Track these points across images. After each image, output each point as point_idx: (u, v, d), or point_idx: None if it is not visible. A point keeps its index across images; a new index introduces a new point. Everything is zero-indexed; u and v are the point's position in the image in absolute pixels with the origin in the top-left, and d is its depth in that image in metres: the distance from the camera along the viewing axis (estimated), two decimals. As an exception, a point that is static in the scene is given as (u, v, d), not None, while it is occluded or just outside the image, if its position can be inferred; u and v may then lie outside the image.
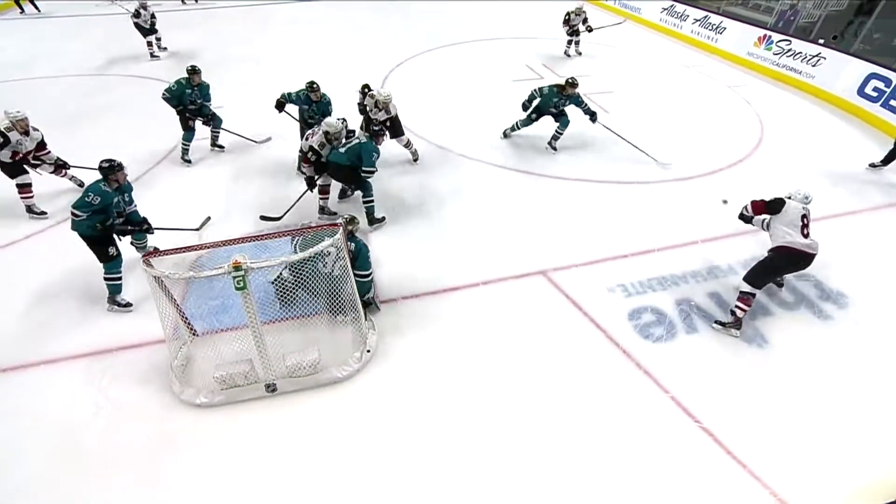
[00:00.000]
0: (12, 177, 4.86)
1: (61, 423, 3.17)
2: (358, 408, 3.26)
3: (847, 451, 3.05)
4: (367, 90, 5.58)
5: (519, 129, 6.39)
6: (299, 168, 5.16)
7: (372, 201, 4.80)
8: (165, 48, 9.88)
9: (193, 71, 5.64)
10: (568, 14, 9.43)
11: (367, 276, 3.74)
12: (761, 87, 8.55)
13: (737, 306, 3.77)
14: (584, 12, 9.52)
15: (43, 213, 5.06)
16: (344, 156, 4.58)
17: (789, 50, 8.61)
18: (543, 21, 12.18)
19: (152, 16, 9.27)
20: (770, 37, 8.98)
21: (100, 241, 3.83)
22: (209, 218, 4.95)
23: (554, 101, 5.93)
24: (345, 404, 3.28)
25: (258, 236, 3.46)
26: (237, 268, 2.77)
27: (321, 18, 12.96)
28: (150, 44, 9.51)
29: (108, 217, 3.80)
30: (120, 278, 3.98)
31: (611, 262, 4.47)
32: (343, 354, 3.47)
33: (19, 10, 13.20)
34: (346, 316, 3.64)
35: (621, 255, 4.55)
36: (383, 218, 4.92)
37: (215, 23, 12.65)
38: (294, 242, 3.52)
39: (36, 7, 13.28)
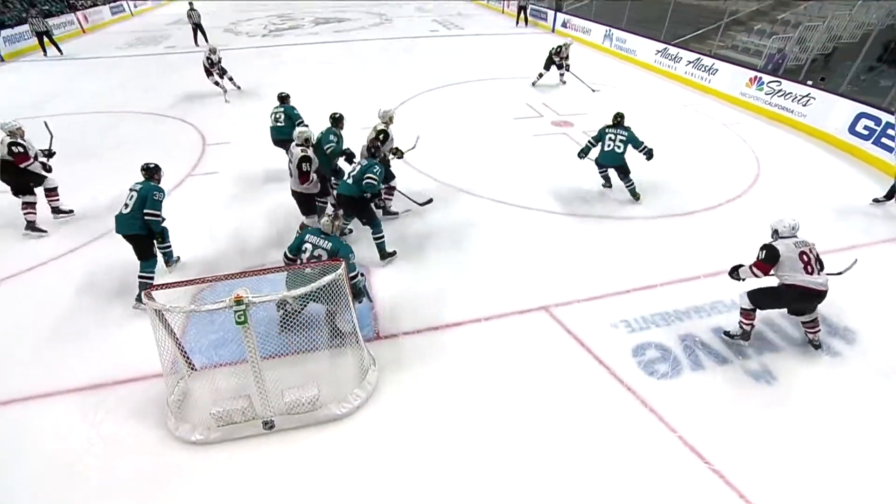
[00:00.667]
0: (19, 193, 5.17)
1: (54, 458, 3.08)
2: (357, 446, 3.17)
3: (861, 492, 2.93)
4: None
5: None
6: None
7: (382, 236, 4.81)
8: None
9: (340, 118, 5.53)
10: (559, 48, 10.23)
11: (353, 277, 3.59)
12: (756, 125, 8.76)
13: (740, 322, 3.84)
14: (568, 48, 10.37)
15: (44, 230, 5.33)
16: (353, 186, 4.57)
17: (780, 90, 8.88)
18: (541, 63, 12.65)
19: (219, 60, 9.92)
20: (761, 78, 9.28)
21: (148, 238, 4.26)
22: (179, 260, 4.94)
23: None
24: (344, 442, 3.19)
25: (259, 271, 3.47)
26: (239, 302, 2.77)
27: (330, 59, 13.50)
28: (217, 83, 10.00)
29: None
30: (153, 277, 4.30)
31: (613, 298, 4.46)
32: (343, 391, 3.40)
33: (43, 53, 13.97)
34: (344, 341, 3.59)
35: (623, 290, 4.54)
36: (394, 252, 4.94)
37: (227, 63, 13.13)
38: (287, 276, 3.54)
39: (59, 49, 13.98)
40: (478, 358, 3.84)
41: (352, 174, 4.64)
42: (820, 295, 3.56)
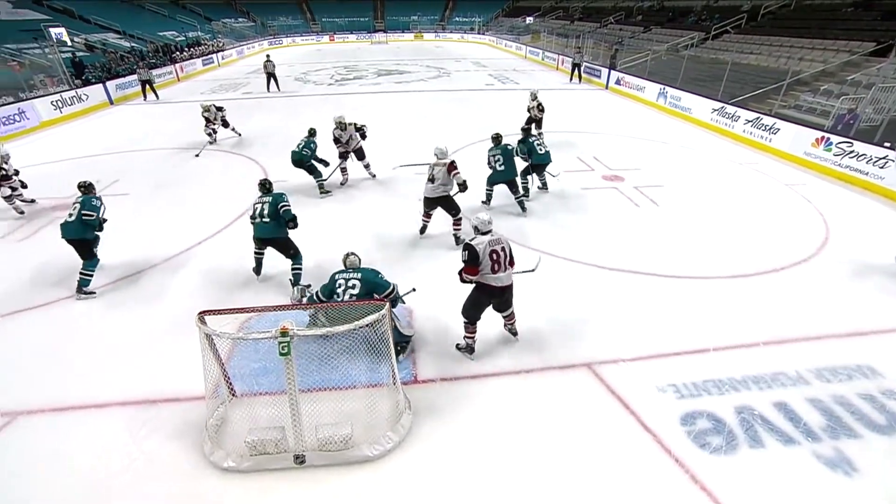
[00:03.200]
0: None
1: (93, 470, 3.22)
2: (386, 492, 3.08)
3: None
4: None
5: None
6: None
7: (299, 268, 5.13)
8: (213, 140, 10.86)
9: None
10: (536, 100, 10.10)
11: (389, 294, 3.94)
12: (823, 187, 8.31)
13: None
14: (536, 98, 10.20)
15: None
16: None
17: (852, 151, 8.43)
18: (595, 118, 12.84)
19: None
20: (829, 138, 8.88)
21: (91, 243, 5.19)
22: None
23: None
24: (373, 487, 3.12)
25: (307, 305, 3.60)
26: (284, 333, 2.86)
27: (387, 107, 14.37)
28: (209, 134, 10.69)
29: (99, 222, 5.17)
30: (92, 275, 5.18)
31: (661, 360, 4.21)
32: (376, 432, 3.36)
33: (143, 98, 16.36)
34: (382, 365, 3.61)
35: (672, 352, 4.29)
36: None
37: (294, 108, 14.32)
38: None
39: (156, 95, 16.08)
40: (515, 411, 3.69)
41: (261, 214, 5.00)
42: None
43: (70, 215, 5.09)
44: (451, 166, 5.70)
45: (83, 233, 5.07)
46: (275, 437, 3.20)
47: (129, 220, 6.87)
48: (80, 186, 5.23)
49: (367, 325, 3.09)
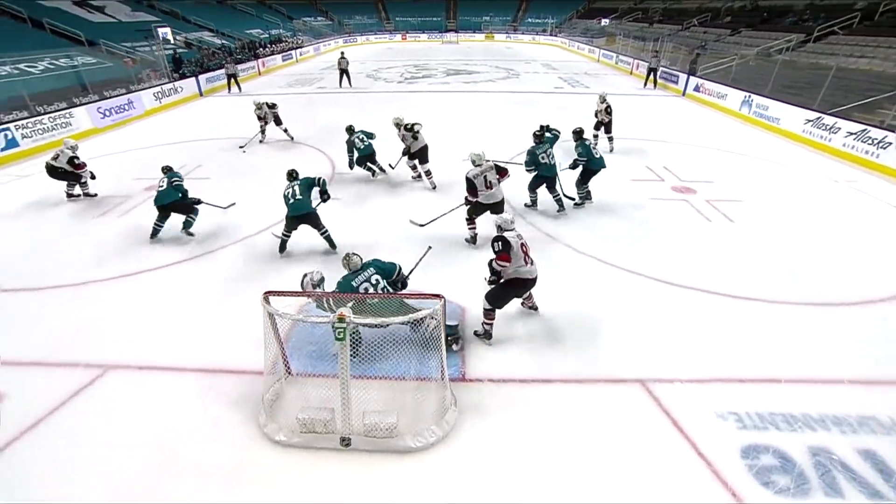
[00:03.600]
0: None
1: (164, 426, 3.54)
2: (426, 483, 3.12)
3: None
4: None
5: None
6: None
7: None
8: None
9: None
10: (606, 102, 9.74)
11: (398, 274, 4.19)
12: (938, 212, 7.34)
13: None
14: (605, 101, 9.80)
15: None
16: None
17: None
18: (669, 125, 12.21)
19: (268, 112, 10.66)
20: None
21: (185, 201, 6.26)
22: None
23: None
24: (414, 477, 3.17)
25: (365, 295, 3.72)
26: (341, 320, 2.98)
27: (453, 105, 14.51)
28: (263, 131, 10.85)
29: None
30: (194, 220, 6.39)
31: (724, 385, 3.92)
32: (420, 425, 3.42)
33: (228, 90, 17.70)
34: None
35: (737, 378, 3.98)
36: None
37: (364, 103, 14.85)
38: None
39: (239, 88, 17.32)
40: (561, 420, 3.60)
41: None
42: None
43: (161, 187, 6.15)
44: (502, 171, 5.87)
45: (175, 196, 6.11)
46: (324, 418, 3.34)
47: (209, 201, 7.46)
48: (163, 169, 6.42)
49: (421, 319, 3.15)
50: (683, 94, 16.26)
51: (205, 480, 3.14)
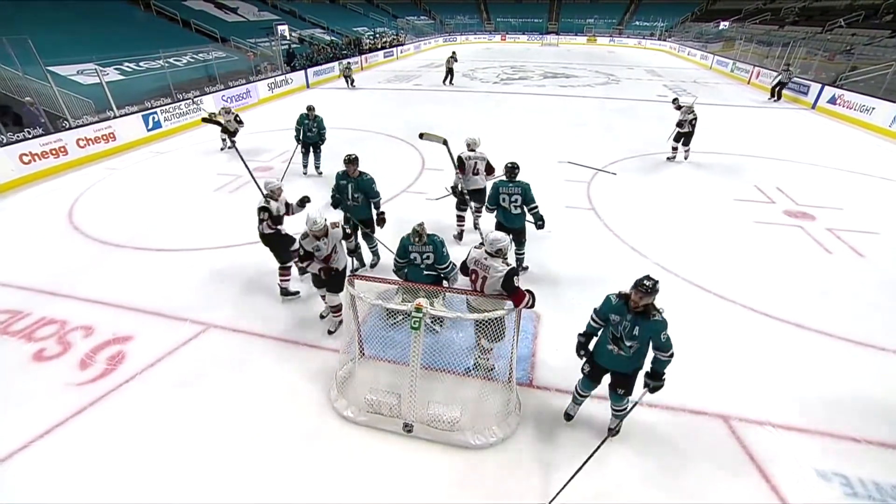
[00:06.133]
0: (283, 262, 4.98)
1: (248, 385, 3.91)
2: (484, 482, 3.13)
3: None
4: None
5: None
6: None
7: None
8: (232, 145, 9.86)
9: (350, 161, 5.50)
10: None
11: (446, 267, 4.05)
12: None
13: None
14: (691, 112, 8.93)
15: (296, 292, 5.14)
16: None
17: None
18: (790, 141, 10.94)
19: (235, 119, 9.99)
20: None
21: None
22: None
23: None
24: (472, 473, 3.19)
25: (445, 288, 3.82)
26: (418, 309, 3.06)
27: (544, 109, 14.21)
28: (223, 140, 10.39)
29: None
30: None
31: (832, 440, 3.44)
32: (482, 423, 3.42)
33: (346, 85, 18.56)
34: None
35: (849, 436, 3.46)
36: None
37: (460, 102, 15.11)
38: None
39: (353, 83, 18.55)
40: (630, 443, 3.40)
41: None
42: None
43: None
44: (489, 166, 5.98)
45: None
46: (390, 402, 3.46)
47: (317, 188, 8.06)
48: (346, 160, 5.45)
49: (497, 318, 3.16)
50: (813, 107, 14.33)
51: (280, 440, 3.42)
